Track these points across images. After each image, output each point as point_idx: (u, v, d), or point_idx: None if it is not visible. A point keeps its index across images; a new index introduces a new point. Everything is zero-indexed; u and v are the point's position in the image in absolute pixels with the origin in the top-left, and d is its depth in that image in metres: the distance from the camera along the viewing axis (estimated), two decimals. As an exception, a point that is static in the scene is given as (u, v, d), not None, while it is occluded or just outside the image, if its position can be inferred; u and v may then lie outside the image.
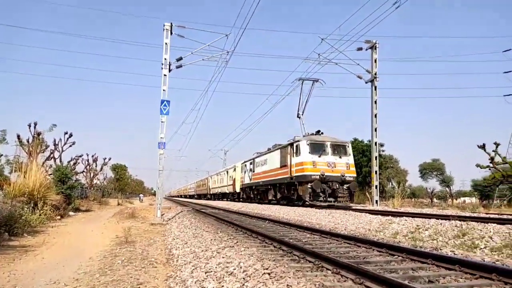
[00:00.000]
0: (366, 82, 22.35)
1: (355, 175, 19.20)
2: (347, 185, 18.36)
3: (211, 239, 8.28)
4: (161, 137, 16.38)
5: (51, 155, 29.35)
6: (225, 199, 41.88)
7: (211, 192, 51.40)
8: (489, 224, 7.77)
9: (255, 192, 28.59)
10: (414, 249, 6.14)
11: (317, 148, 18.71)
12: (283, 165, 21.15)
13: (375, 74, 21.91)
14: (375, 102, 21.76)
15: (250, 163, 29.49)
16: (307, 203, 18.41)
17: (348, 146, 19.57)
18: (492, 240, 6.75)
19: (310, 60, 22.02)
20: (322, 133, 20.37)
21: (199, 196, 62.41)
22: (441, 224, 8.47)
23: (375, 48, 22.16)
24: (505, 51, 52.52)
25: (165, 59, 17.10)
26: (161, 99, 16.43)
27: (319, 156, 18.36)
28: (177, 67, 17.94)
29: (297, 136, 20.84)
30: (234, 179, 35.90)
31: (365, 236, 8.67)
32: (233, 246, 7.02)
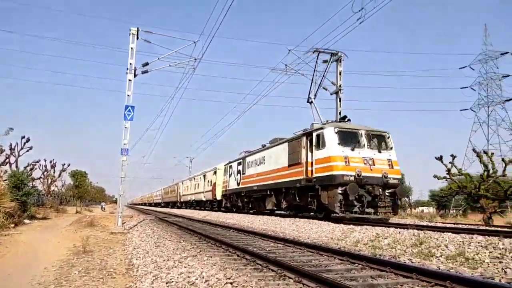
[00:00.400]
0: (331, 94, 22.84)
1: (400, 176, 14.40)
2: (391, 190, 13.39)
3: (174, 248, 8.13)
4: (124, 143, 15.99)
5: (7, 160, 27.99)
6: (200, 208, 37.24)
7: (182, 200, 46.07)
8: (445, 233, 8.10)
9: (246, 200, 22.63)
10: (373, 257, 6.30)
11: (348, 138, 13.64)
12: (294, 163, 15.81)
13: (340, 86, 22.42)
14: (340, 113, 22.27)
15: (239, 164, 23.86)
16: (336, 215, 13.23)
17: (389, 137, 14.45)
18: (448, 249, 7.04)
19: (278, 70, 22.29)
20: (349, 120, 15.39)
21: (167, 204, 58.34)
22: (399, 233, 8.75)
23: (340, 61, 22.66)
24: (461, 68, 55.40)
25: (131, 64, 16.78)
26: (125, 105, 16.07)
27: (352, 150, 13.25)
28: (143, 72, 17.64)
29: (316, 123, 15.84)
30: (214, 183, 30.51)
31: (327, 244, 8.80)
32: (196, 255, 6.93)
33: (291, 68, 22.03)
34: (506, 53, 51.03)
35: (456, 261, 6.42)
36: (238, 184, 23.50)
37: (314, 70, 17.41)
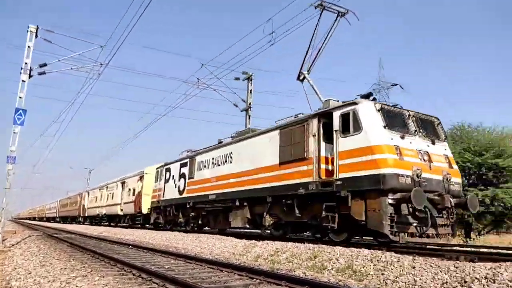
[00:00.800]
0: (241, 111, 23.41)
1: (461, 180, 10.15)
2: (454, 200, 9.20)
3: (61, 268, 7.41)
4: (12, 150, 14.34)
5: None
6: (110, 224, 31.13)
7: (86, 214, 38.46)
8: (337, 247, 8.66)
9: (193, 214, 16.67)
10: (271, 272, 6.48)
11: (395, 120, 9.45)
12: (294, 160, 10.84)
13: (250, 104, 23.13)
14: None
15: (183, 165, 17.99)
16: (385, 238, 9.09)
17: (439, 124, 10.52)
18: (338, 262, 7.52)
19: (189, 83, 22.20)
20: (374, 98, 10.24)
21: (64, 220, 49.67)
22: (297, 247, 9.12)
23: (251, 80, 23.46)
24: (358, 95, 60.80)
25: (26, 63, 15.26)
26: (16, 107, 14.49)
27: (402, 138, 9.12)
28: (40, 73, 16.14)
29: (333, 100, 10.88)
30: (139, 192, 24.22)
31: (229, 260, 8.83)
32: (86, 275, 6.41)
33: (203, 82, 22.20)
34: (396, 84, 57.47)
35: (345, 273, 6.88)
36: (181, 192, 17.60)
37: (313, 34, 12.23)
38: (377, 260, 7.12)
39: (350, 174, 9.11)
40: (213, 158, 15.34)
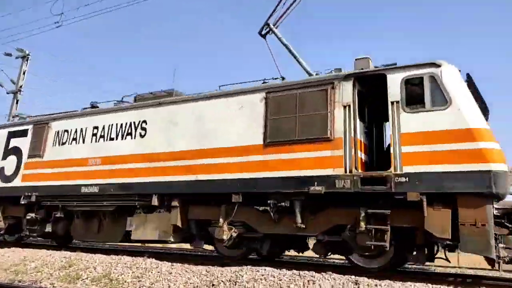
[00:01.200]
0: (7, 93, 19.99)
1: None
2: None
3: None
4: None
5: None
6: None
7: None
8: (96, 254, 8.25)
9: (37, 216, 10.67)
10: (10, 284, 5.62)
11: (479, 97, 7.13)
12: (296, 140, 7.41)
13: (21, 87, 20.00)
14: (13, 116, 19.67)
15: (15, 135, 11.81)
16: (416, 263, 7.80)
17: None
18: (95, 271, 7.13)
19: None
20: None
21: None
22: (50, 255, 8.29)
23: (27, 60, 20.40)
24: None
25: None
26: None
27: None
28: None
29: (365, 57, 7.68)
30: None
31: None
32: None
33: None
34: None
35: (101, 282, 6.58)
36: (10, 178, 11.29)
37: None
38: (137, 267, 7.13)
39: (427, 168, 6.42)
40: (95, 128, 10.13)
